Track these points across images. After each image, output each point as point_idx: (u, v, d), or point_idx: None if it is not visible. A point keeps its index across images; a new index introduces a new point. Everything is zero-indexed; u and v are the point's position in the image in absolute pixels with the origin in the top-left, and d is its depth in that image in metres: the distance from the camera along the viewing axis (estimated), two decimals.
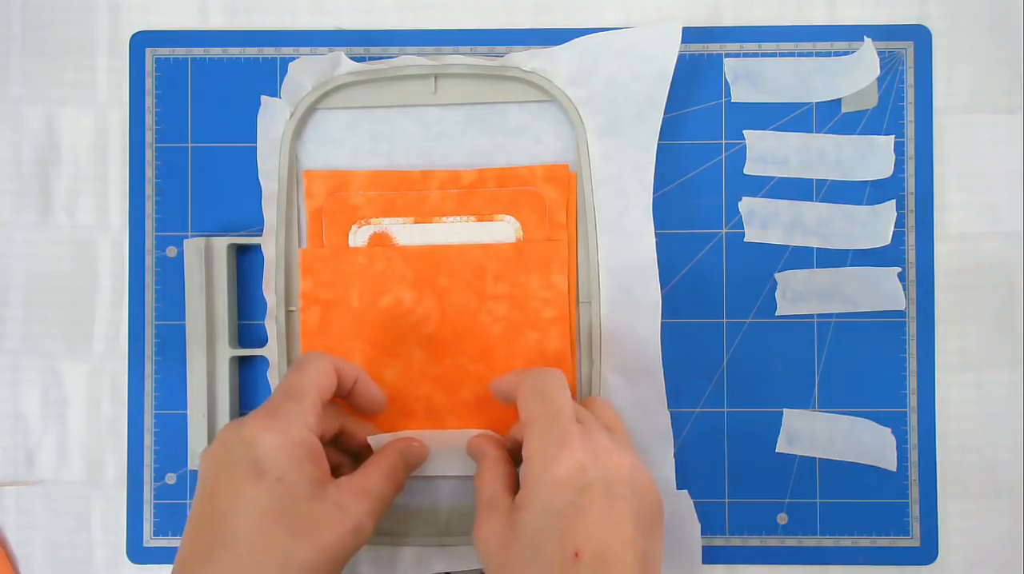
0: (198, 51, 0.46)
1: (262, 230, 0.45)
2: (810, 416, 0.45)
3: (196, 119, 0.46)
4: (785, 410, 0.45)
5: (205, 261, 0.44)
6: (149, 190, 0.46)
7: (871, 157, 0.45)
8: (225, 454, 0.36)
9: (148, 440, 0.46)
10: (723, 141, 0.45)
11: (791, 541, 0.45)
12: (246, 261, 0.46)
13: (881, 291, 0.45)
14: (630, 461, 0.36)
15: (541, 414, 0.37)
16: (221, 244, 0.45)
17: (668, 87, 0.44)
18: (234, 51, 0.46)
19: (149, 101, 0.46)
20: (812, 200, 0.45)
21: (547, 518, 0.35)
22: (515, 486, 0.38)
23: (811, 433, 0.45)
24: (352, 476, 0.38)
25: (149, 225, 0.46)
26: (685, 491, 0.43)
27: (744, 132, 0.45)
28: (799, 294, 0.45)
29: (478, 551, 0.37)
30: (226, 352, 0.45)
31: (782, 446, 0.45)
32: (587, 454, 0.36)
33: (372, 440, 0.42)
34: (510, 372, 0.41)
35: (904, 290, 0.45)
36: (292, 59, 0.44)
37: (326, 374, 0.39)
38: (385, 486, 0.39)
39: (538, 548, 0.35)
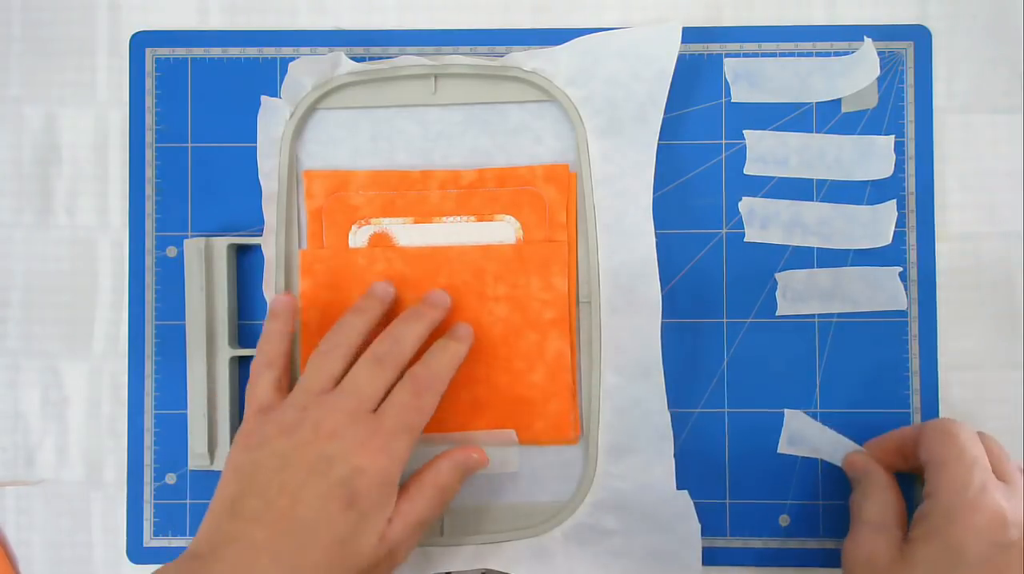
0: (198, 51, 0.46)
1: (262, 230, 0.45)
2: (812, 421, 0.45)
3: (196, 119, 0.46)
4: (786, 410, 0.45)
5: (205, 261, 0.44)
6: (149, 190, 0.46)
7: (871, 157, 0.45)
8: (326, 467, 0.37)
9: (148, 440, 0.45)
10: (723, 141, 0.45)
11: (793, 543, 0.45)
12: (246, 261, 0.46)
13: (882, 291, 0.44)
14: None
15: (952, 457, 0.38)
16: (221, 244, 0.45)
17: (668, 87, 0.44)
18: (234, 51, 0.46)
19: (149, 101, 0.46)
20: (812, 200, 0.45)
21: (951, 561, 0.35)
22: (902, 514, 0.40)
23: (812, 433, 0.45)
24: (407, 510, 0.39)
25: (149, 225, 0.46)
26: (685, 491, 0.43)
27: (744, 132, 0.45)
28: (799, 294, 0.45)
29: (847, 566, 0.38)
30: (226, 352, 0.45)
31: (783, 447, 0.45)
32: (1012, 511, 0.36)
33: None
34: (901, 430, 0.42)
35: (905, 290, 0.45)
36: (292, 59, 0.45)
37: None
38: (436, 514, 0.40)
39: None
